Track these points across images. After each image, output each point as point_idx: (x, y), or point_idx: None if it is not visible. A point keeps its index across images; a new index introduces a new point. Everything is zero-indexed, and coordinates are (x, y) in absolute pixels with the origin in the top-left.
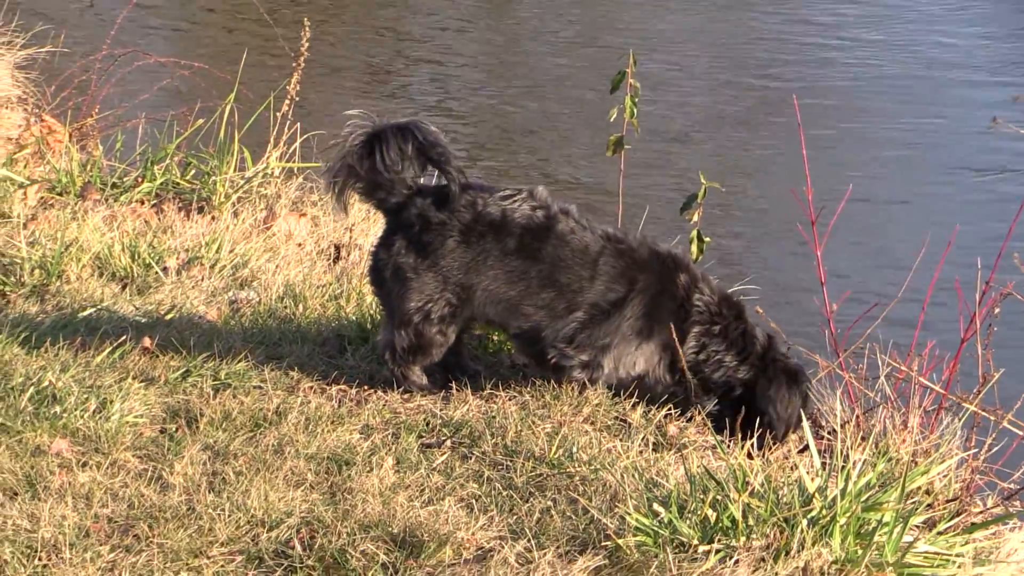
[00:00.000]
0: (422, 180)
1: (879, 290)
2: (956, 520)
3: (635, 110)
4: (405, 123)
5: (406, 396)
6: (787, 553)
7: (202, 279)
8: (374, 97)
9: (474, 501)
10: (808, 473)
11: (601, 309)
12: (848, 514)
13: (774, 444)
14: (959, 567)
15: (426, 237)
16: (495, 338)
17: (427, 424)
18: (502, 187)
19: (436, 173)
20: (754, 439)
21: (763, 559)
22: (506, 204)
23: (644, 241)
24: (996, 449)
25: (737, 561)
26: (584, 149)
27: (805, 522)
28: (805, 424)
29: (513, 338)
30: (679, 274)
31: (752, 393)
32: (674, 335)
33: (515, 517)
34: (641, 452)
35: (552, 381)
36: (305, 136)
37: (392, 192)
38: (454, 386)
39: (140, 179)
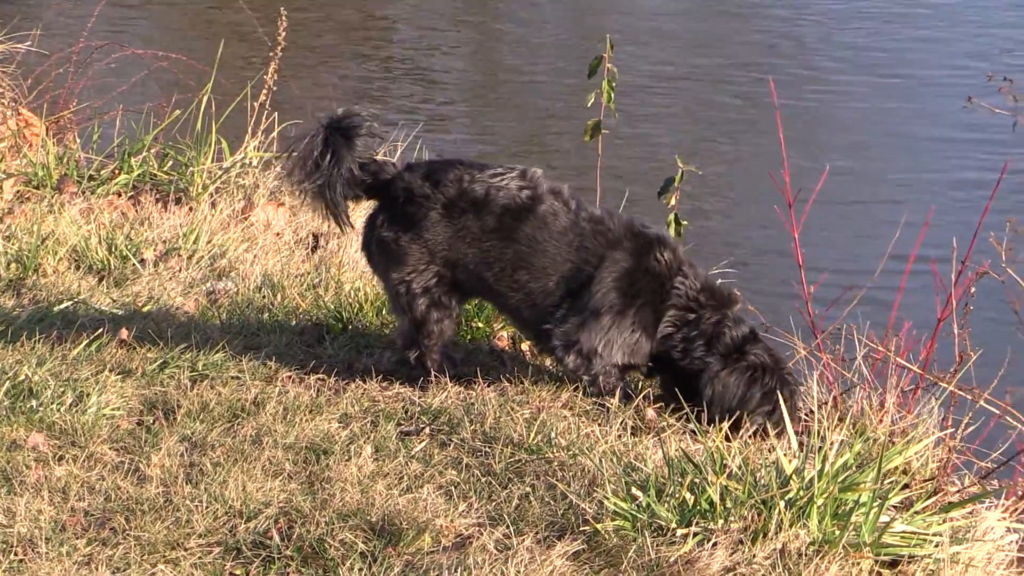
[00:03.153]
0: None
1: (857, 271)
2: (933, 499)
3: (612, 95)
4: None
5: (384, 384)
6: (765, 535)
7: (180, 270)
8: (354, 85)
9: (453, 488)
10: (786, 455)
11: (574, 290)
12: (825, 495)
13: (708, 425)
14: (936, 546)
15: (410, 209)
16: (476, 324)
17: (406, 412)
18: (495, 165)
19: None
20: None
21: (741, 541)
22: (492, 182)
23: (628, 222)
24: (973, 428)
25: (715, 544)
26: (568, 133)
27: (783, 504)
28: (783, 406)
29: (506, 318)
30: (662, 255)
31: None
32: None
33: (494, 503)
34: (619, 436)
35: (530, 367)
36: (283, 126)
37: (380, 171)
38: (433, 374)
39: (117, 171)
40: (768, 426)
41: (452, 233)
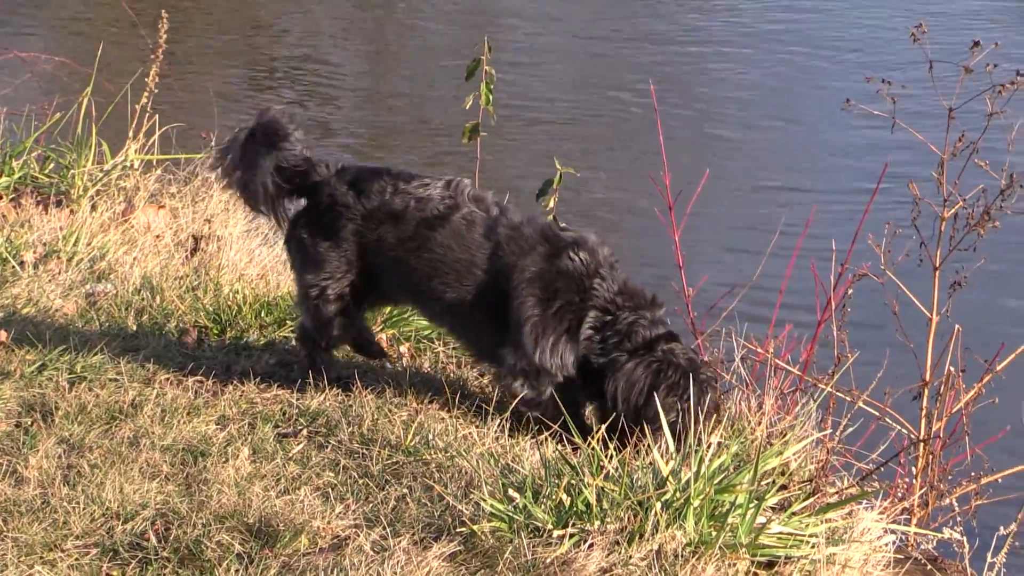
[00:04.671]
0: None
1: (738, 273)
2: (811, 501)
3: (491, 97)
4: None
5: (263, 386)
6: (641, 536)
7: (59, 272)
8: (238, 87)
9: (330, 490)
10: (662, 456)
11: (491, 301)
12: (702, 496)
13: (603, 422)
14: (813, 547)
15: (331, 216)
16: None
17: (283, 414)
18: (422, 175)
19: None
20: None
21: (617, 542)
22: (416, 192)
23: (544, 226)
24: (852, 430)
25: (591, 545)
26: (447, 132)
27: (659, 505)
28: (658, 406)
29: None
30: (576, 255)
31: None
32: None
33: (371, 505)
34: (497, 439)
35: (408, 369)
36: (164, 128)
37: (310, 172)
38: (311, 376)
39: None
40: (675, 424)
41: (370, 243)
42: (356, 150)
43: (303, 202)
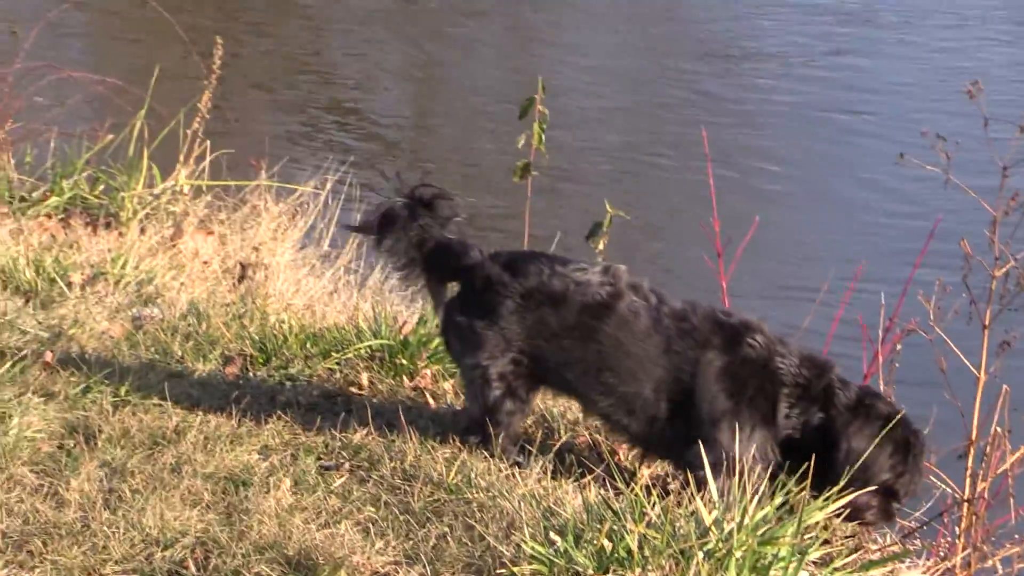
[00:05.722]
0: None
1: (786, 322)
2: (853, 557)
3: (543, 137)
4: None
5: (306, 418)
6: None
7: (106, 295)
8: (288, 116)
9: (371, 525)
10: (705, 505)
11: (675, 400)
12: (744, 547)
13: (835, 477)
14: None
15: (487, 296)
16: (400, 361)
17: (326, 446)
18: (577, 260)
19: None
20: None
21: None
22: (573, 276)
23: (709, 313)
24: None
25: None
26: (499, 173)
27: (701, 554)
28: (704, 458)
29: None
30: (756, 342)
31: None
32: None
33: (411, 542)
34: (540, 480)
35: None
36: (215, 154)
37: (463, 255)
38: (353, 409)
39: (48, 193)
40: (897, 486)
41: (530, 324)
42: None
43: (456, 287)
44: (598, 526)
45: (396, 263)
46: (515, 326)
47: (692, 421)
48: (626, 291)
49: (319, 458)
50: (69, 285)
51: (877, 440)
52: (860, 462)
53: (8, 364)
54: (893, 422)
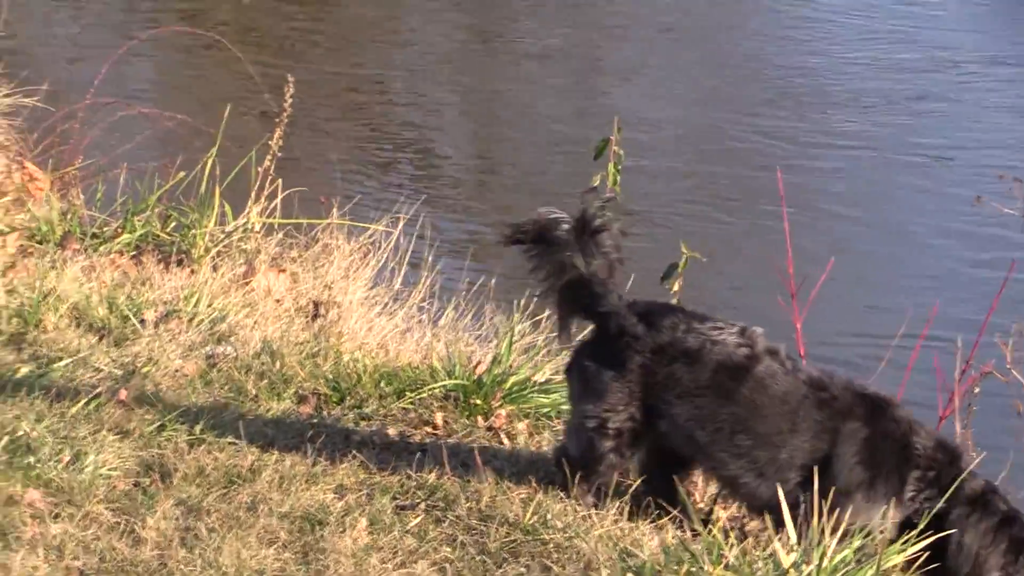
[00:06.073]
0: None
1: (860, 363)
2: None
3: (618, 177)
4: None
5: (381, 457)
6: None
7: (179, 332)
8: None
9: (447, 565)
10: (783, 548)
11: (808, 465)
12: None
13: (945, 570)
14: None
15: (619, 346)
16: (474, 401)
17: (401, 486)
18: (714, 318)
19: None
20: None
21: None
22: (709, 335)
23: (848, 384)
24: None
25: None
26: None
27: None
28: (782, 496)
29: (718, 481)
30: (898, 418)
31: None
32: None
33: None
34: (616, 521)
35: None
36: (287, 192)
37: (603, 299)
38: (428, 448)
39: (120, 230)
40: None
41: (658, 381)
42: (466, 220)
43: (590, 329)
44: (675, 567)
45: (536, 278)
46: (640, 381)
47: (822, 488)
48: (764, 354)
49: (395, 498)
50: (142, 322)
51: (992, 538)
52: (973, 557)
53: (83, 402)
54: (1010, 521)
